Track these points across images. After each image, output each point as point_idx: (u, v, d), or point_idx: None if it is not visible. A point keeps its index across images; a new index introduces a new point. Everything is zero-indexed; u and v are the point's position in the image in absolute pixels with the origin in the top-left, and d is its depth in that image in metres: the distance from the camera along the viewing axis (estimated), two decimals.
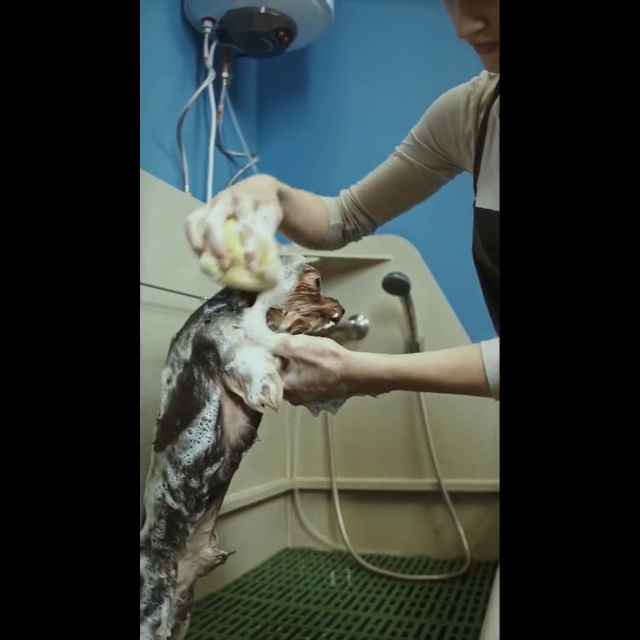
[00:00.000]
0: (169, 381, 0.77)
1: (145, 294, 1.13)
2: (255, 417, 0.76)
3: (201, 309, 0.79)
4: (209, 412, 0.73)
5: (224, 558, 0.79)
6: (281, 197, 0.91)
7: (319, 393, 0.75)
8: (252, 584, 1.41)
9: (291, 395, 0.76)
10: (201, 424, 0.73)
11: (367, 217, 1.13)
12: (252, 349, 0.74)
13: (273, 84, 1.95)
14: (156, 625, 0.72)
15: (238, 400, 0.74)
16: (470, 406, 1.55)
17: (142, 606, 0.72)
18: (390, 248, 1.69)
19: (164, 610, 0.73)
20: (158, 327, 1.14)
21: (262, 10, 1.54)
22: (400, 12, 1.82)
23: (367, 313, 1.71)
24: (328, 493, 1.70)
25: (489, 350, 0.71)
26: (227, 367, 0.73)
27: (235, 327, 0.75)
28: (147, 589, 0.72)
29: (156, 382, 1.08)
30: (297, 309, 0.80)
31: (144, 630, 0.71)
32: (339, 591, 1.36)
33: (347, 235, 1.14)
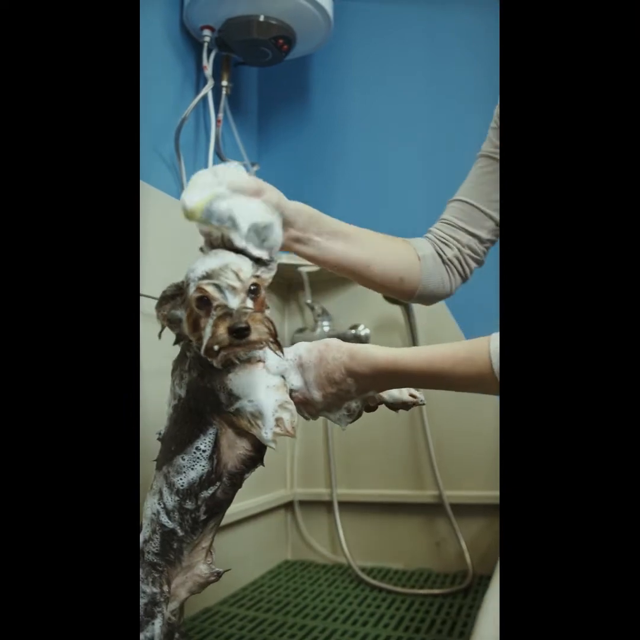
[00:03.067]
0: (169, 404, 0.76)
1: (145, 305, 1.13)
2: (257, 445, 0.73)
3: (184, 351, 0.75)
4: (203, 443, 0.72)
5: (219, 575, 0.77)
6: (337, 234, 0.87)
7: (330, 395, 0.73)
8: (250, 597, 1.39)
9: (305, 403, 0.74)
10: (194, 452, 0.72)
11: (473, 236, 0.96)
12: (257, 383, 0.70)
13: (273, 92, 1.95)
14: None
15: (239, 433, 0.72)
16: (472, 417, 1.53)
17: None
18: None
19: (157, 626, 0.71)
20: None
21: (261, 18, 1.53)
22: (401, 19, 1.81)
23: (368, 322, 1.70)
24: (328, 505, 1.68)
25: (497, 340, 0.67)
26: (232, 409, 0.70)
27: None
28: (139, 603, 0.71)
29: (156, 393, 1.07)
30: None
31: None
32: (338, 605, 1.33)
33: (450, 264, 0.96)
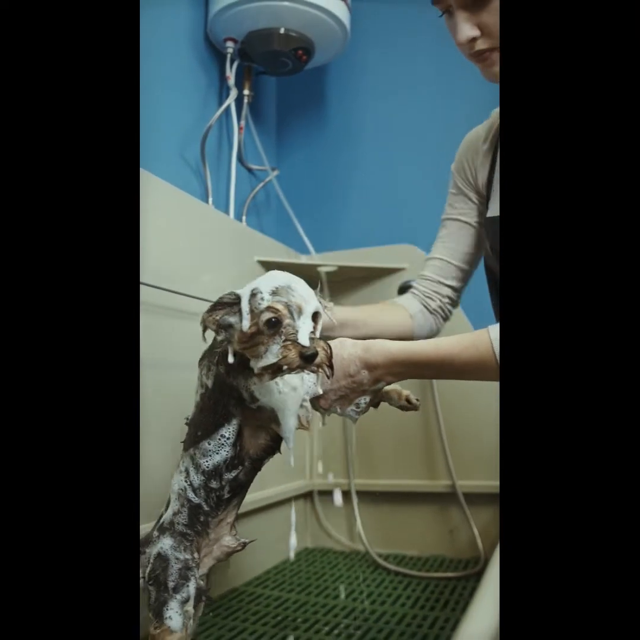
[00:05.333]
0: (196, 392, 0.83)
1: (166, 299, 1.20)
2: (276, 435, 0.80)
3: (215, 346, 0.80)
4: (227, 430, 0.79)
5: (244, 545, 0.84)
6: (342, 324, 1.01)
7: (343, 389, 0.80)
8: (273, 580, 1.46)
9: (319, 398, 0.80)
10: (219, 439, 0.78)
11: (449, 287, 1.20)
12: (278, 388, 0.76)
13: (292, 101, 2.03)
14: (185, 601, 0.77)
15: (260, 425, 0.79)
16: (484, 409, 1.59)
17: (171, 584, 0.77)
18: (405, 257, 1.74)
19: (191, 588, 0.78)
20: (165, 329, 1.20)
21: (282, 31, 1.61)
22: (415, 30, 1.88)
23: None
24: (346, 494, 1.75)
25: (496, 329, 0.76)
26: (254, 406, 0.77)
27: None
28: (174, 568, 0.77)
29: (157, 384, 1.14)
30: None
31: (174, 605, 0.76)
32: (357, 587, 1.40)
33: (436, 313, 1.20)
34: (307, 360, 0.68)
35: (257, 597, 1.34)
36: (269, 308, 0.70)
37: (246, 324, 0.71)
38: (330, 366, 0.72)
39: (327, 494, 1.79)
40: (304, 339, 0.68)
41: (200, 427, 0.80)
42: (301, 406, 0.77)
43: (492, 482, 1.58)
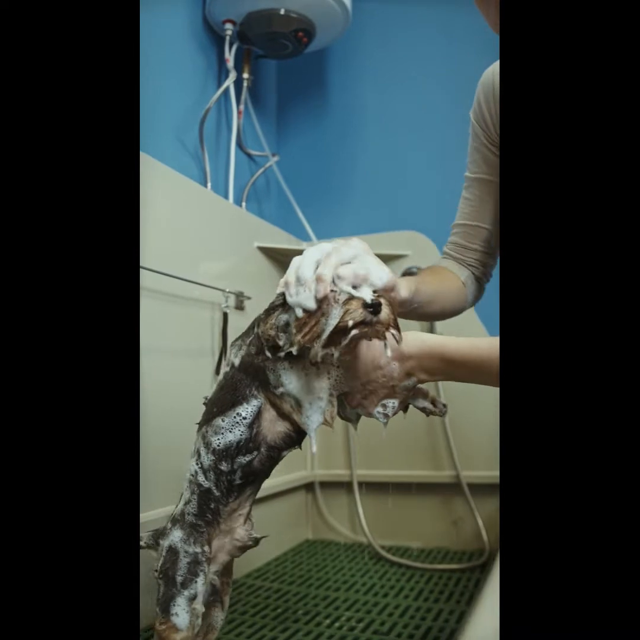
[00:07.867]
0: (222, 371, 0.80)
1: (166, 285, 1.18)
2: (298, 426, 0.75)
3: (256, 321, 0.77)
4: (245, 410, 0.75)
5: (257, 541, 0.80)
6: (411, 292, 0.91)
7: (371, 383, 0.75)
8: (273, 572, 1.44)
9: (345, 394, 0.76)
10: (235, 417, 0.75)
11: (484, 253, 1.09)
12: (306, 380, 0.73)
13: (292, 84, 2.00)
14: (192, 598, 0.73)
15: (281, 414, 0.75)
16: (488, 399, 1.56)
17: (179, 579, 0.73)
18: (408, 244, 1.71)
19: (200, 584, 0.74)
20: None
21: (282, 11, 1.58)
22: (418, 13, 1.85)
23: None
24: (348, 485, 1.73)
25: None
26: (277, 391, 0.74)
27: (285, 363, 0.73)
28: (182, 562, 0.74)
29: (157, 370, 1.11)
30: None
31: (181, 602, 0.73)
32: (359, 579, 1.38)
33: (480, 280, 1.11)
34: (374, 309, 0.66)
35: (256, 589, 1.31)
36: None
37: (291, 316, 0.70)
38: (397, 328, 0.69)
39: (328, 485, 1.76)
40: (365, 295, 0.66)
41: (217, 404, 0.77)
42: (328, 402, 0.73)
43: (496, 473, 1.56)
